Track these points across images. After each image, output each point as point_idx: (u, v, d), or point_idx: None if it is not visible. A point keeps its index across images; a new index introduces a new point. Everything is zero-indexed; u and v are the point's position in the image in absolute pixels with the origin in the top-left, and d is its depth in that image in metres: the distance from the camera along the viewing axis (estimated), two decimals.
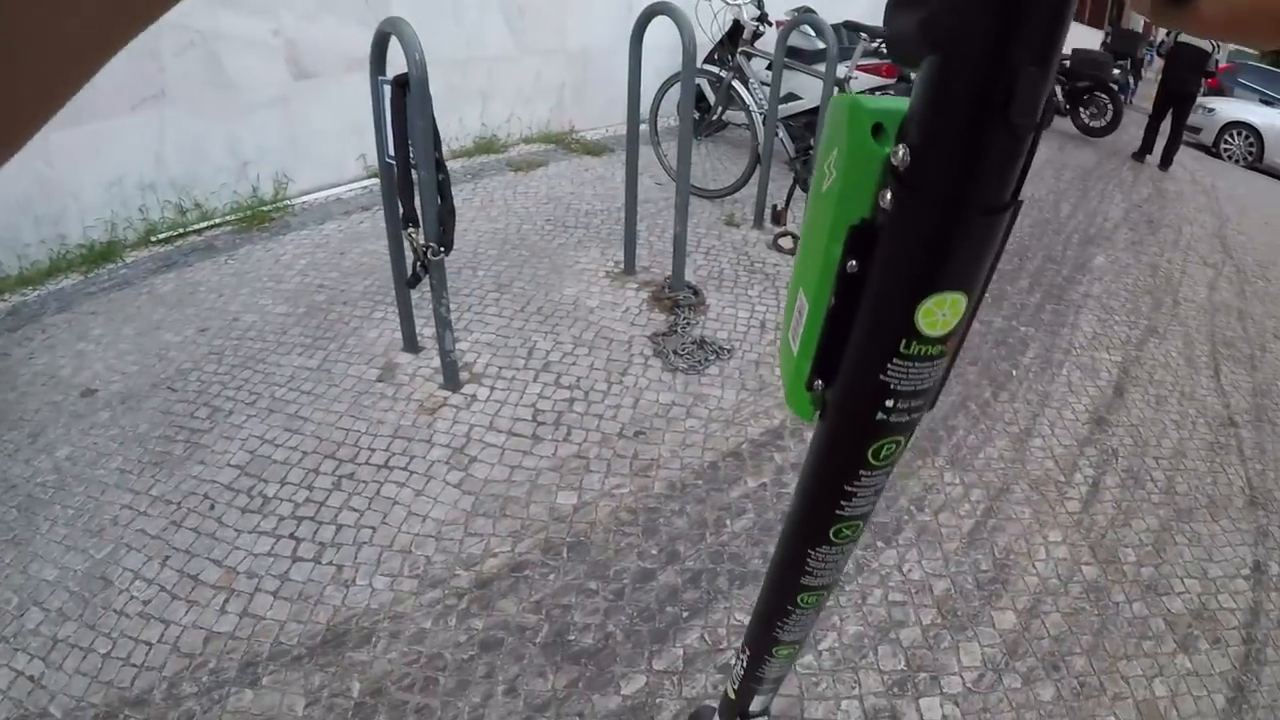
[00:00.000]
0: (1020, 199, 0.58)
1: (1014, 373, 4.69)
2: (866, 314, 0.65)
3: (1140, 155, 11.29)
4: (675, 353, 4.29)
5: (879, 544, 3.30)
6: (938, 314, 0.61)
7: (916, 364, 0.65)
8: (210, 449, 3.36)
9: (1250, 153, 13.85)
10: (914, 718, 2.63)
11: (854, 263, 0.64)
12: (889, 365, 0.65)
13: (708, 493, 3.40)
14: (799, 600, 1.06)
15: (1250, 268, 7.37)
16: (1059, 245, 6.93)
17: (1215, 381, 5.06)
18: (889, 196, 0.58)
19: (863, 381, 0.68)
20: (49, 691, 2.41)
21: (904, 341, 0.63)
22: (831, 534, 0.89)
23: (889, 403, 0.68)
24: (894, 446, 0.74)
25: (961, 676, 2.80)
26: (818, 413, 0.78)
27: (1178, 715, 2.78)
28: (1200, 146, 14.23)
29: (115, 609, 2.67)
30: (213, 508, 3.08)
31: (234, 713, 2.39)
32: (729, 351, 4.40)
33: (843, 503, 0.82)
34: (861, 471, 0.77)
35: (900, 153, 0.56)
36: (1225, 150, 14.14)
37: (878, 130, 0.61)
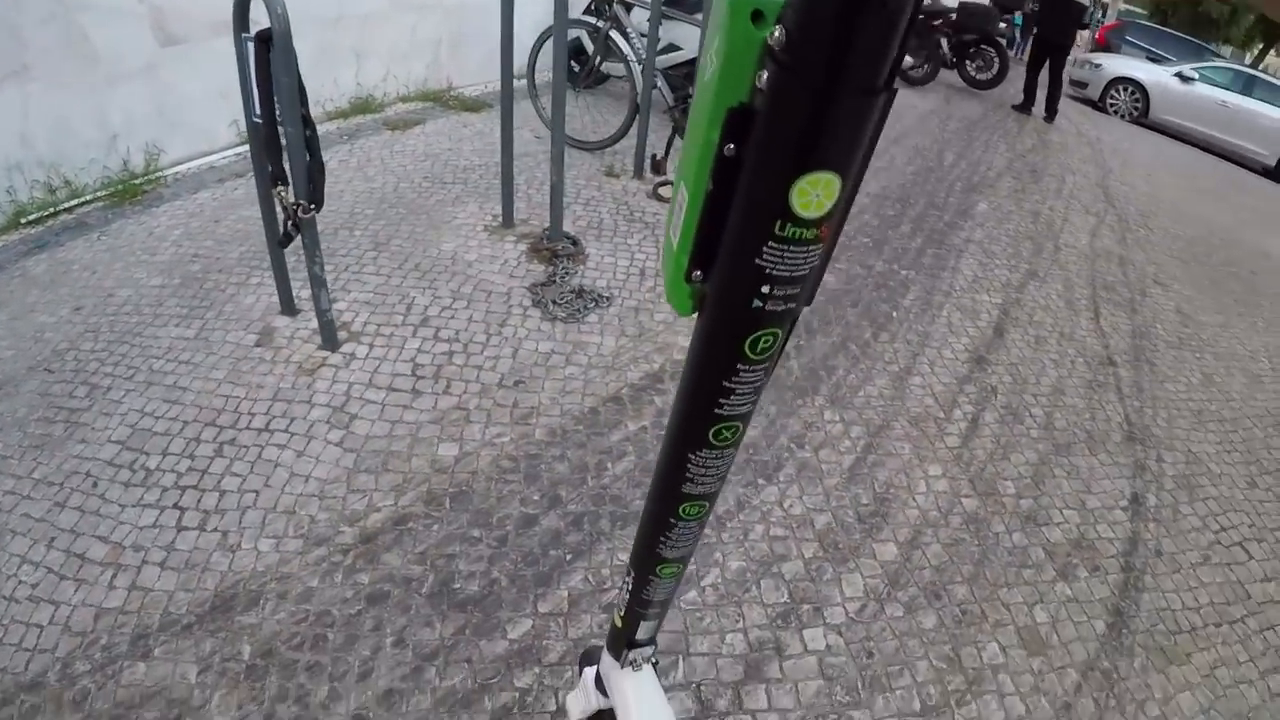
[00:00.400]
0: (895, 87, 0.62)
1: (894, 314, 4.84)
2: (743, 196, 0.69)
3: (1024, 107, 11.52)
4: (554, 302, 4.36)
5: (760, 481, 3.42)
6: (812, 194, 0.65)
7: (792, 248, 0.68)
8: (90, 427, 3.35)
9: (1136, 108, 14.19)
10: (798, 648, 2.76)
11: (731, 146, 0.67)
12: (765, 249, 0.69)
13: (588, 437, 3.49)
14: (681, 511, 1.11)
15: (1132, 216, 7.61)
16: (942, 192, 7.09)
17: (1095, 323, 5.26)
18: (765, 78, 0.62)
19: (739, 267, 0.72)
20: None
21: (779, 223, 0.67)
22: (711, 436, 0.93)
23: (765, 289, 0.72)
24: (771, 339, 0.79)
25: (844, 607, 2.94)
26: (696, 311, 0.83)
27: (1059, 639, 2.96)
28: (1087, 101, 14.55)
29: (4, 595, 2.68)
30: (95, 485, 3.08)
31: (128, 686, 2.43)
32: (608, 299, 4.48)
33: (721, 400, 0.86)
34: (739, 365, 0.81)
35: (777, 33, 0.59)
36: (1111, 105, 14.48)
37: (757, 17, 0.63)
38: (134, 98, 5.45)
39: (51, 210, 5.01)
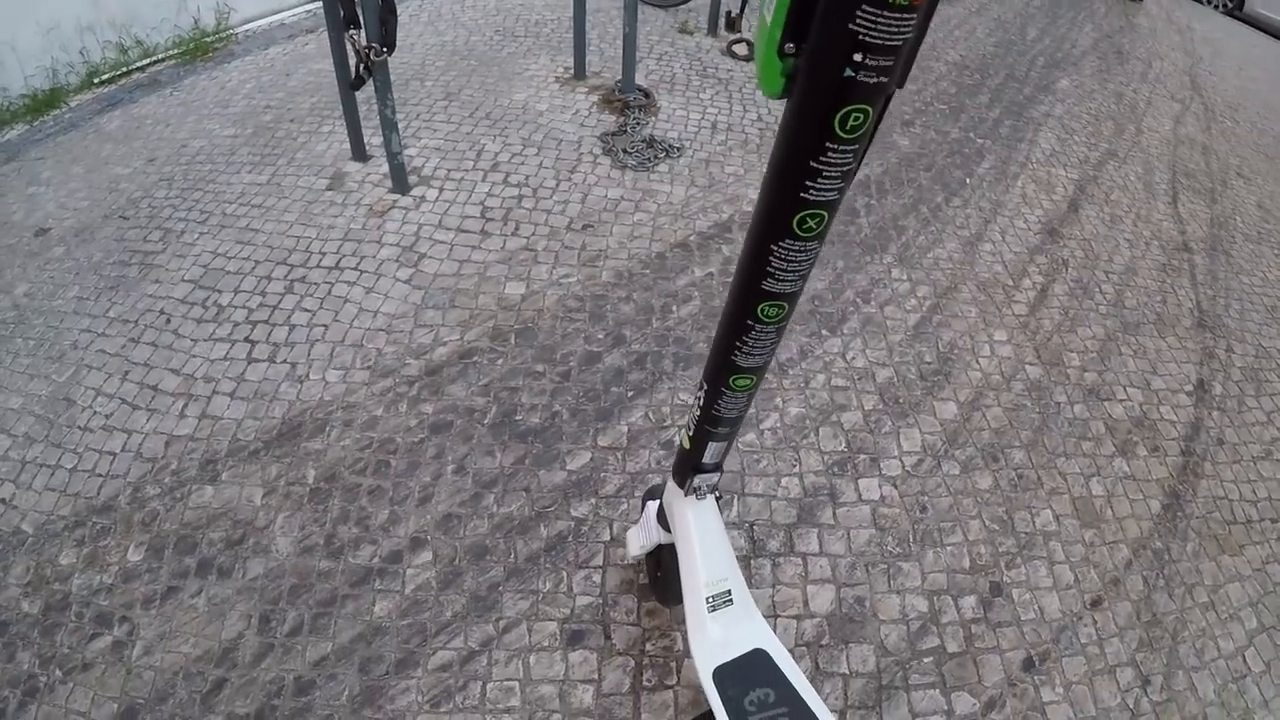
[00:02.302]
0: None
1: (968, 181, 4.66)
2: None
3: None
4: (624, 150, 4.27)
5: (823, 332, 3.34)
6: None
7: (887, 13, 0.66)
8: (164, 268, 3.39)
9: (1231, 0, 13.42)
10: (852, 496, 2.72)
11: None
12: (859, 12, 0.66)
13: (654, 281, 3.43)
14: (760, 312, 1.07)
15: (1219, 107, 7.21)
16: (1023, 66, 6.77)
17: (1173, 209, 5.02)
18: None
19: (833, 33, 0.69)
20: (20, 511, 2.51)
21: None
22: (796, 225, 0.89)
23: (858, 57, 0.69)
24: (862, 116, 0.75)
25: (901, 460, 2.88)
26: (785, 94, 0.79)
27: (1113, 514, 2.87)
28: None
29: (79, 426, 2.75)
30: (169, 322, 3.13)
31: (195, 508, 2.49)
32: (679, 150, 4.38)
33: (809, 184, 0.83)
34: (829, 144, 0.78)
35: None
36: None
37: None
38: None
39: (124, 69, 5.04)
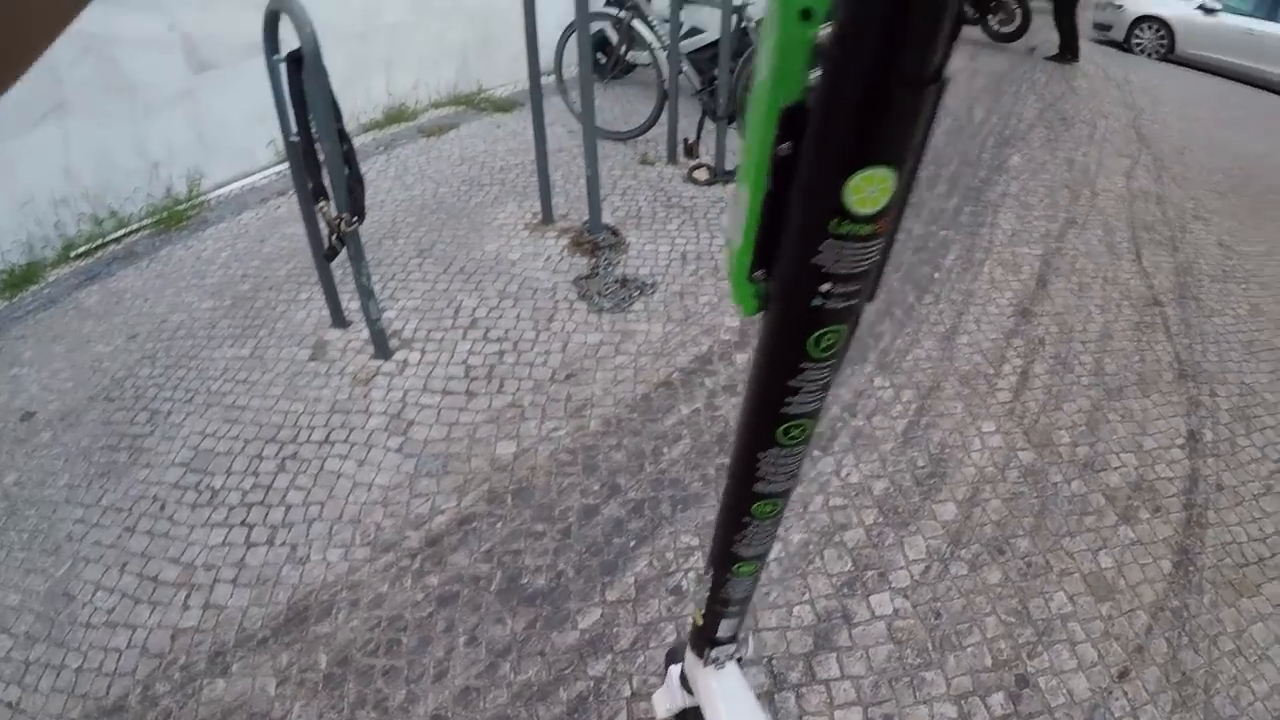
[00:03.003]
0: (946, 77, 0.60)
1: (936, 275, 4.78)
2: (799, 195, 0.68)
3: (1064, 56, 11.29)
4: (599, 293, 4.36)
5: (815, 453, 3.40)
6: (866, 190, 0.63)
7: (849, 244, 0.67)
8: (154, 451, 3.40)
9: (1162, 45, 13.87)
10: (865, 615, 2.74)
11: (786, 144, 0.67)
12: (822, 246, 0.67)
13: (643, 424, 3.48)
14: (754, 510, 1.10)
15: (1166, 154, 7.46)
16: (974, 149, 6.99)
17: (1138, 265, 5.17)
18: (817, 74, 0.61)
19: (799, 265, 0.70)
20: (28, 715, 2.48)
21: (835, 220, 0.65)
22: (780, 435, 0.91)
23: (825, 287, 0.71)
24: (834, 336, 0.77)
25: (909, 570, 2.91)
26: (761, 310, 0.81)
27: (1125, 583, 2.91)
28: (1112, 43, 14.25)
29: (81, 622, 2.73)
30: (163, 509, 3.13)
31: (209, 703, 2.47)
32: (652, 286, 4.47)
33: (788, 399, 0.85)
34: (804, 364, 0.80)
35: (827, 29, 0.59)
36: (1137, 45, 14.10)
37: (806, 15, 0.61)
38: (172, 125, 5.51)
39: (100, 241, 5.10)
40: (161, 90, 5.42)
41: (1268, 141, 8.66)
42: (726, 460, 1.07)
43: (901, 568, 2.92)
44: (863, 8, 0.55)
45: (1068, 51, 11.29)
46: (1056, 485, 3.32)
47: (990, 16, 12.49)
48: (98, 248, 5.06)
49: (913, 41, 0.56)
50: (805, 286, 0.72)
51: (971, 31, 12.55)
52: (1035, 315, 4.46)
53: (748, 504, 1.08)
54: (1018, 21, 12.25)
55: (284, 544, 2.95)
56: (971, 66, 10.41)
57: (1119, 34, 14.27)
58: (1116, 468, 3.44)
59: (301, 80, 3.23)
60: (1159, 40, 13.89)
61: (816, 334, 0.76)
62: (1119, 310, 4.60)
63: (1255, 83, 12.76)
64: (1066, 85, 9.62)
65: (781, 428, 0.91)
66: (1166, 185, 6.65)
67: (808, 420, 0.90)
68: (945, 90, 0.61)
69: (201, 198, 5.68)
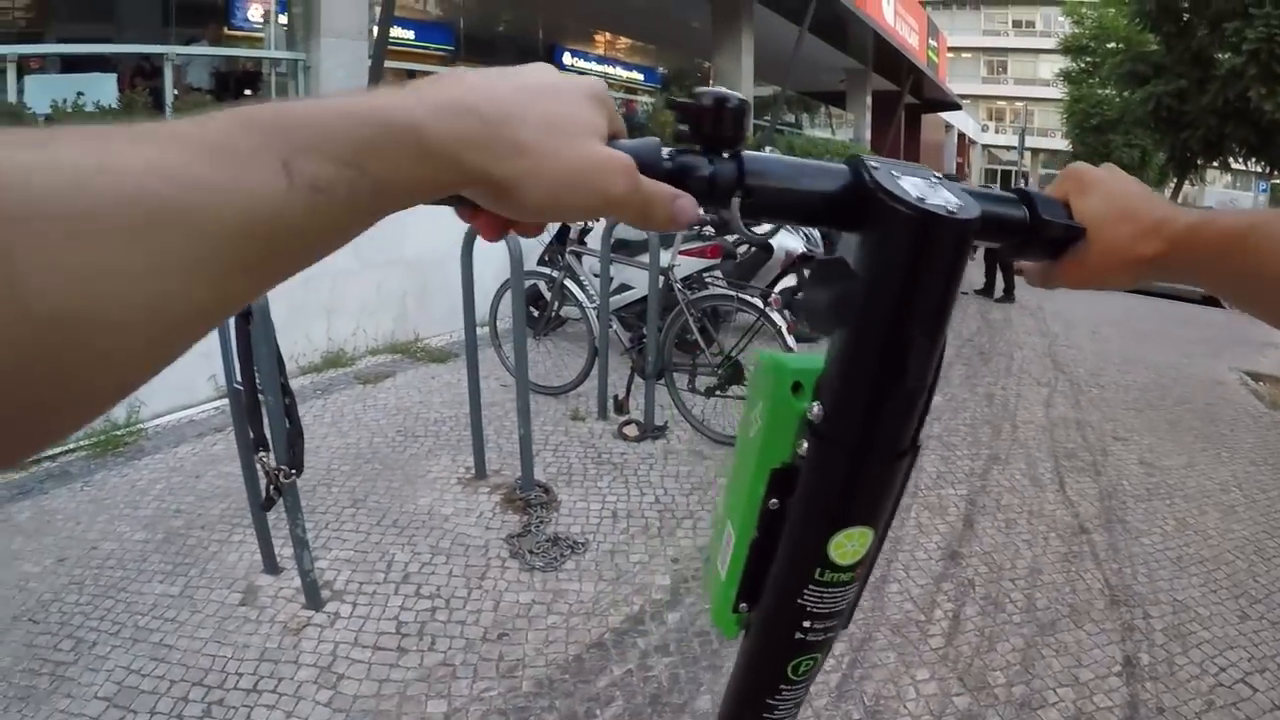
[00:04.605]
0: (918, 444, 0.73)
1: None
2: (786, 546, 0.78)
3: (1006, 296, 11.94)
4: (531, 552, 4.47)
5: None
6: (848, 546, 0.74)
7: (830, 590, 0.77)
8: (76, 681, 3.36)
9: None
10: None
11: (775, 501, 0.78)
12: (805, 591, 0.77)
13: (575, 686, 3.53)
14: None
15: (1083, 379, 7.88)
16: None
17: (1061, 494, 5.43)
18: (805, 446, 0.73)
19: (783, 605, 0.80)
20: None
21: (819, 570, 0.76)
22: None
23: (806, 624, 0.80)
24: (811, 663, 0.86)
25: None
26: (741, 632, 0.90)
27: None
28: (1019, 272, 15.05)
29: None
30: None
31: None
32: (583, 545, 4.60)
33: (764, 715, 0.92)
34: (782, 686, 0.88)
35: (815, 409, 0.71)
36: None
37: (797, 387, 0.75)
38: None
39: (34, 458, 5.10)
40: None
41: (1175, 351, 9.20)
42: None
43: None
44: (849, 394, 0.70)
45: (1007, 294, 11.96)
46: None
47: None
48: (32, 463, 5.08)
49: (892, 422, 0.70)
50: (788, 622, 0.82)
51: None
52: (964, 557, 4.63)
53: None
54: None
55: None
56: None
57: None
58: (1054, 703, 3.52)
59: (249, 332, 3.41)
60: None
61: (795, 661, 0.85)
62: (1046, 543, 4.79)
63: (1154, 293, 13.55)
64: (982, 319, 10.06)
65: None
66: (1085, 409, 6.99)
67: None
68: (918, 456, 0.75)
69: (139, 425, 5.75)
